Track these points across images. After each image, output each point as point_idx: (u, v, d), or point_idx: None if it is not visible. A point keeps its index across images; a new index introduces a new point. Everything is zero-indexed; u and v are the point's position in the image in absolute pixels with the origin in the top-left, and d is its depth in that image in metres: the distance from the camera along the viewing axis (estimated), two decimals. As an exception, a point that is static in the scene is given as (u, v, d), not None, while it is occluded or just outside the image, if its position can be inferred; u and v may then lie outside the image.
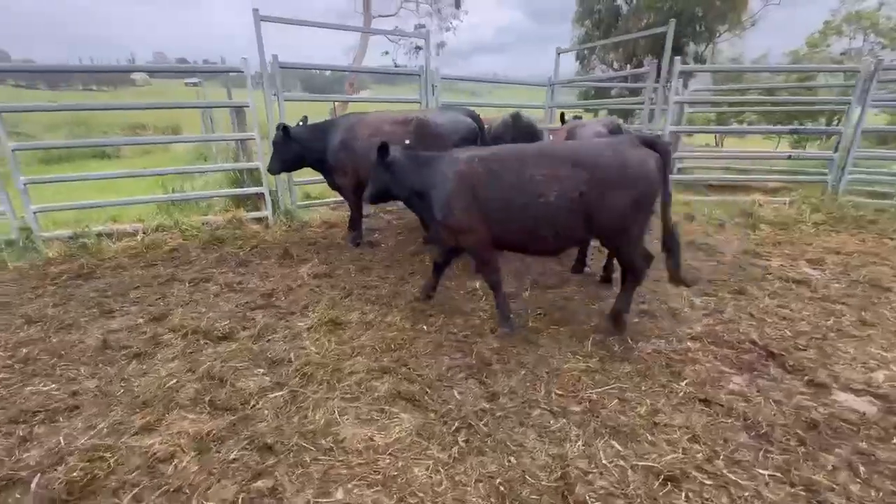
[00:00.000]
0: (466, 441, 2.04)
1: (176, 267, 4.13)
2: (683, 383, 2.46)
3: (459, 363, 2.68)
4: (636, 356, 2.74)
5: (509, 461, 1.93)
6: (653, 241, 3.24)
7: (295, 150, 4.46)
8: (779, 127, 8.97)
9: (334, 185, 4.79)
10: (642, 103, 5.90)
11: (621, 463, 1.91)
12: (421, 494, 1.76)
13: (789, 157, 6.35)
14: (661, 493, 1.77)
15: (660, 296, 3.60)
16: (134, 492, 1.74)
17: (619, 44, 15.00)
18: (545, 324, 3.15)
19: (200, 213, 5.32)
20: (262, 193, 5.29)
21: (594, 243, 4.03)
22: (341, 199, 5.11)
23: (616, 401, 2.32)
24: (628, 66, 15.98)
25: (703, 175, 8.24)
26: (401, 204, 3.53)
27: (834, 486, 1.81)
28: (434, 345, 2.86)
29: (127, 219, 5.31)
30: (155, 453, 1.90)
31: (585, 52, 19.07)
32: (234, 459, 1.89)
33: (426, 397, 2.34)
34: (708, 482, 1.82)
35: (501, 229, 2.85)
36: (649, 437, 2.06)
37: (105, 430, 2.07)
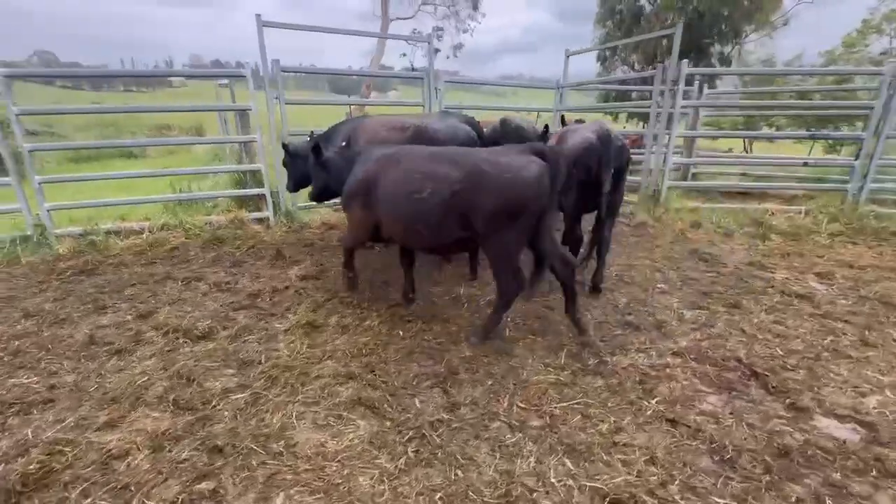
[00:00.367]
0: (416, 452, 2.02)
1: (173, 265, 4.26)
2: (654, 401, 2.37)
3: (428, 371, 2.66)
4: (609, 370, 2.65)
5: (456, 475, 1.90)
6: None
7: (302, 165, 4.26)
8: (796, 132, 8.54)
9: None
10: (650, 107, 5.72)
11: (569, 482, 1.85)
12: (359, 505, 1.75)
13: (805, 164, 6.05)
14: (604, 517, 1.71)
15: (649, 307, 3.48)
16: (83, 487, 1.79)
17: (639, 45, 14.61)
18: (522, 333, 3.10)
19: (206, 213, 5.47)
20: (264, 195, 5.41)
21: (582, 250, 3.94)
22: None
23: (579, 416, 2.26)
24: (651, 67, 15.57)
25: (713, 182, 7.95)
26: None
27: (794, 519, 1.71)
28: (406, 351, 2.85)
29: (139, 217, 5.52)
30: (111, 450, 1.96)
31: (607, 53, 18.68)
32: (183, 459, 1.93)
33: (386, 405, 2.33)
34: (657, 508, 1.75)
35: (387, 222, 3.01)
36: (605, 457, 1.99)
37: (71, 424, 2.15)
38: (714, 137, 9.06)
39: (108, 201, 5.21)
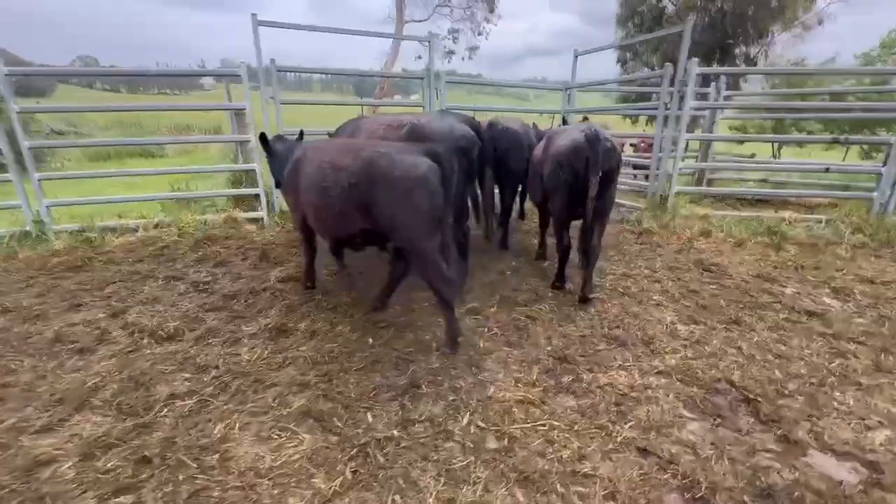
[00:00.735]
0: (355, 472, 1.88)
1: (159, 264, 4.25)
2: (627, 426, 2.16)
3: (389, 382, 2.51)
4: (584, 389, 2.45)
5: (392, 500, 1.75)
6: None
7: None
8: (819, 136, 8.03)
9: None
10: (656, 108, 5.45)
11: (515, 516, 1.68)
12: (281, 530, 1.62)
13: (827, 170, 5.63)
14: (547, 560, 1.52)
15: (640, 321, 3.24)
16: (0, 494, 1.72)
17: (659, 46, 14.16)
18: (497, 344, 2.92)
19: (201, 213, 5.48)
20: (258, 194, 5.38)
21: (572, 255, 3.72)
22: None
23: (541, 440, 2.07)
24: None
25: (727, 189, 7.55)
26: None
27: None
28: (371, 360, 2.71)
29: (138, 215, 5.57)
30: (40, 456, 1.89)
31: (628, 54, 18.25)
32: (108, 470, 1.83)
33: (336, 418, 2.19)
34: (609, 552, 1.55)
35: (307, 212, 3.11)
36: (560, 489, 1.80)
37: (9, 425, 2.09)
38: (726, 141, 8.56)
39: (105, 198, 5.26)
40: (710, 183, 7.87)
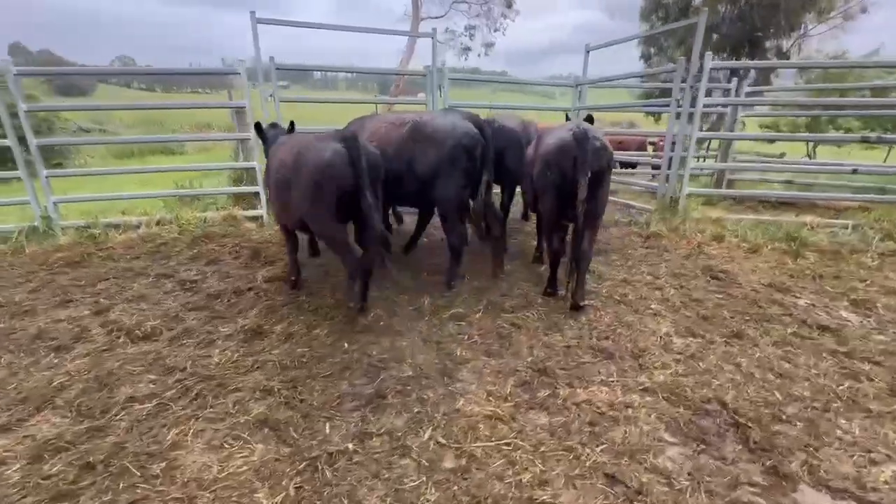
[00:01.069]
0: (299, 488, 1.79)
1: (153, 261, 4.29)
2: (599, 449, 2.00)
3: (356, 391, 2.42)
4: (559, 405, 2.30)
5: (332, 522, 1.66)
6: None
7: None
8: (846, 135, 7.49)
9: None
10: (668, 105, 5.16)
11: (457, 547, 1.55)
12: (210, 548, 1.55)
13: (854, 172, 5.22)
14: None
15: (633, 332, 3.05)
16: (-59, 497, 1.71)
17: (684, 40, 13.57)
18: (476, 353, 2.79)
19: (201, 210, 5.53)
20: (258, 192, 5.39)
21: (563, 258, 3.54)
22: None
23: (502, 461, 1.93)
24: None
25: (744, 191, 7.13)
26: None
27: None
28: (341, 367, 2.63)
29: (143, 213, 5.67)
30: (-12, 457, 1.88)
31: (652, 50, 17.64)
32: (51, 475, 1.80)
33: (292, 428, 2.12)
34: None
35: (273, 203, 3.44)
36: (512, 518, 1.67)
37: (-30, 424, 2.10)
38: (744, 139, 8.06)
39: (109, 195, 5.37)
40: (730, 184, 7.47)
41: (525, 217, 5.95)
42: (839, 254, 4.40)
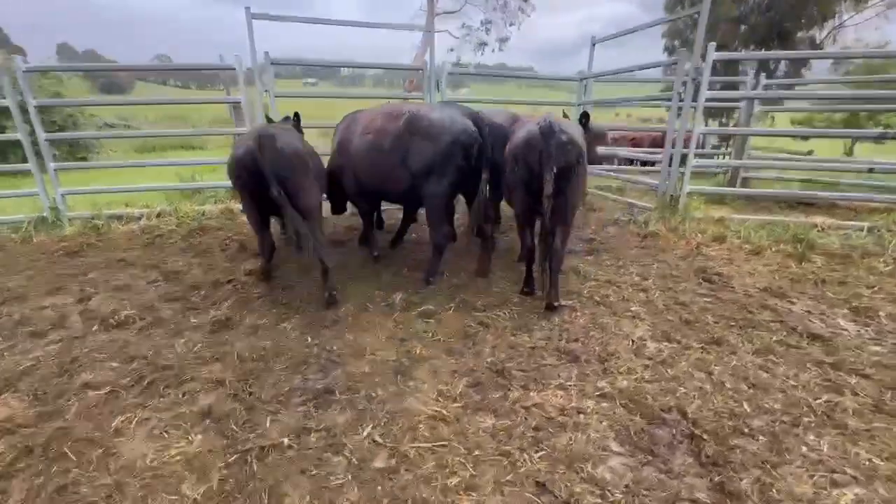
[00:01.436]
0: (223, 480, 1.79)
1: (146, 251, 4.41)
2: (537, 455, 1.92)
3: (307, 386, 2.41)
4: (508, 408, 2.22)
5: (248, 516, 1.65)
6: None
7: None
8: (862, 131, 6.98)
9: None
10: (669, 100, 4.93)
11: (364, 550, 1.51)
12: (122, 537, 1.56)
13: (871, 170, 4.86)
14: None
15: (606, 334, 2.93)
16: None
17: (707, 32, 12.99)
18: (437, 351, 2.73)
19: (201, 203, 5.66)
20: (254, 186, 5.46)
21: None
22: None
23: (433, 464, 1.88)
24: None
25: (753, 189, 6.76)
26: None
27: None
28: (299, 360, 2.62)
29: (145, 205, 5.86)
30: (-59, 437, 1.96)
31: (676, 42, 17.02)
32: (-9, 457, 1.86)
33: (233, 421, 2.12)
34: None
35: None
36: (427, 523, 1.62)
37: (-67, 404, 2.19)
38: (754, 135, 7.58)
39: (115, 188, 5.55)
40: (746, 183, 7.12)
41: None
42: (849, 258, 4.12)
